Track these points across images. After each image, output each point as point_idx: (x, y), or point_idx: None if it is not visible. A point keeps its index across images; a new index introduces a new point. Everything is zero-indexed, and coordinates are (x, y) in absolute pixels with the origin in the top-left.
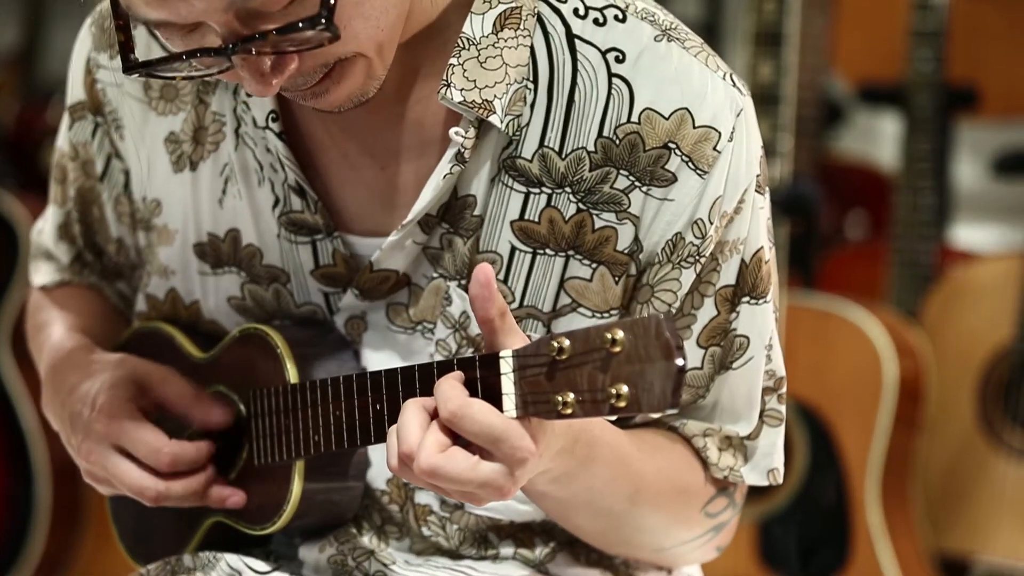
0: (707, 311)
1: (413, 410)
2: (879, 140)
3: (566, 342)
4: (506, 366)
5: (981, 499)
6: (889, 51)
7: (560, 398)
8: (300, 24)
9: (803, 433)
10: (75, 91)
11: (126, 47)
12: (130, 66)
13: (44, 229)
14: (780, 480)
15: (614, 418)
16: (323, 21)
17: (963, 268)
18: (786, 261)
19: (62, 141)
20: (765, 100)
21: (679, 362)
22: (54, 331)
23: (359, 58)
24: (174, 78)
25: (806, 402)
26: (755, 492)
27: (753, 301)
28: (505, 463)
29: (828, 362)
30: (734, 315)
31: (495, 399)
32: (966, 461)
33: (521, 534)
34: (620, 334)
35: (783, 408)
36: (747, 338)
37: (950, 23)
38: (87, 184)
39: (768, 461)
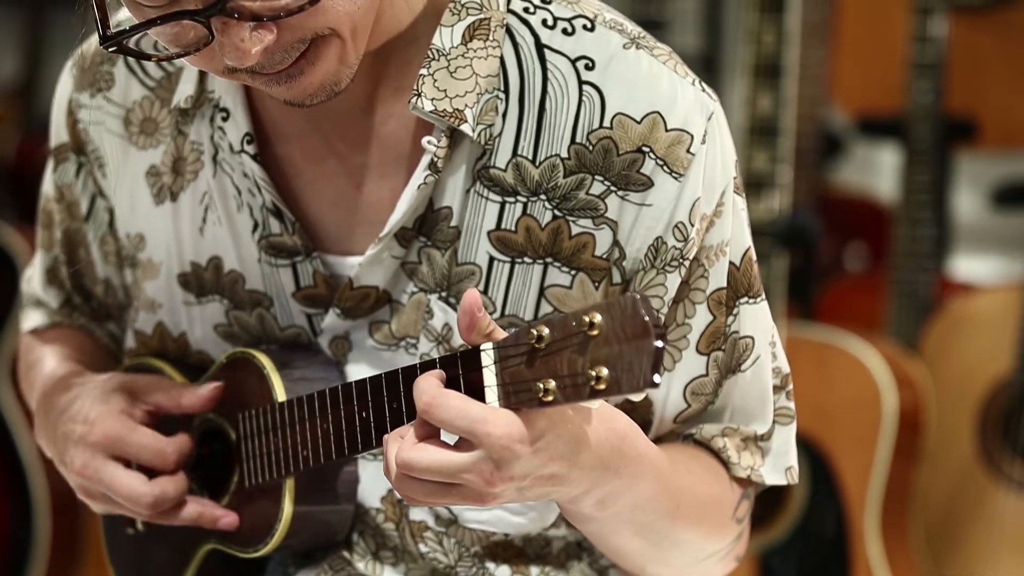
0: (702, 317)
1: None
2: (878, 172)
3: (545, 330)
4: (487, 359)
5: (980, 530)
6: (888, 83)
7: (541, 385)
8: None
9: (803, 464)
10: (59, 133)
11: (103, 23)
12: (107, 37)
13: (33, 277)
14: (796, 479)
15: (597, 403)
16: None
17: (962, 300)
18: (785, 293)
19: (47, 185)
20: (764, 132)
21: (656, 341)
22: (46, 365)
23: (334, 38)
24: (150, 57)
25: (805, 434)
26: (755, 523)
27: (752, 301)
28: (487, 450)
29: (827, 394)
30: (731, 318)
31: (478, 393)
32: (966, 492)
33: (516, 559)
34: (597, 317)
35: (792, 404)
36: (752, 338)
37: (949, 55)
38: (73, 226)
39: (784, 460)
